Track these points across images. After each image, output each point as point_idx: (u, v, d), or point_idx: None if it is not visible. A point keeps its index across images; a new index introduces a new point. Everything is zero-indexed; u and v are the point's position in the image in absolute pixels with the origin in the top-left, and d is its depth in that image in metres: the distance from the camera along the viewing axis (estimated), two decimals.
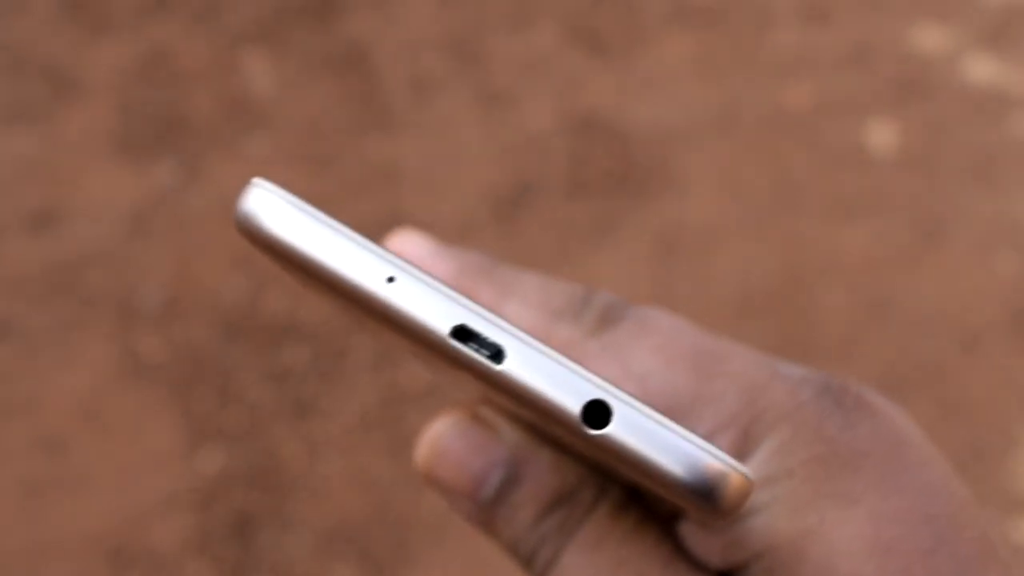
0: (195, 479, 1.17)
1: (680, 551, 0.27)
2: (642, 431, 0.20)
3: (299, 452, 1.19)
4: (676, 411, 0.26)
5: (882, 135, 1.47)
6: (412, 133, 1.46)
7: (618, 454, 0.20)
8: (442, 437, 0.29)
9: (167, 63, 1.53)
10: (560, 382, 0.20)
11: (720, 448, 0.20)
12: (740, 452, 0.26)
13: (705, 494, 0.20)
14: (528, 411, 0.21)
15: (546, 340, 0.22)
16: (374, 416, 1.21)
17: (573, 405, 0.20)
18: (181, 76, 1.52)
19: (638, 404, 0.20)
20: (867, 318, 1.29)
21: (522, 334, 0.20)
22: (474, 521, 0.29)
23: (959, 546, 0.24)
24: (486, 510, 0.28)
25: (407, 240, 0.31)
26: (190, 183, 1.40)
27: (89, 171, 1.41)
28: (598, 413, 0.20)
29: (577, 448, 0.24)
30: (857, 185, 1.42)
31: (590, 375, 0.20)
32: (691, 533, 0.27)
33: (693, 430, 0.20)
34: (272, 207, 0.21)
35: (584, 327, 0.28)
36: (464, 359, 0.20)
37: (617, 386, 0.20)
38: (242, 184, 0.22)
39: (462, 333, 0.20)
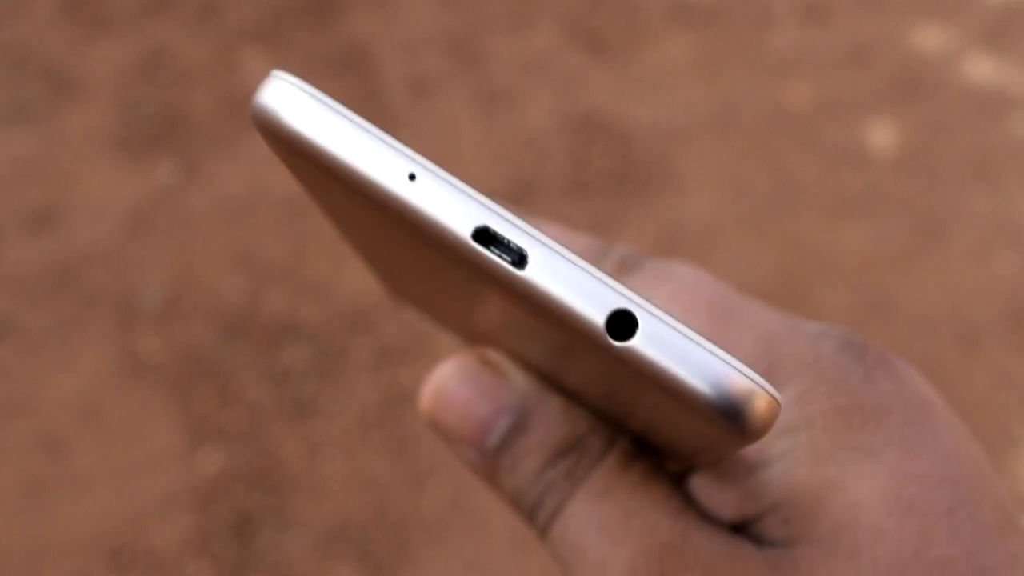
0: (195, 479, 1.17)
1: (690, 504, 0.26)
2: (669, 344, 0.18)
3: (299, 452, 1.19)
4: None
5: (882, 135, 1.47)
6: (412, 133, 1.46)
7: (643, 368, 0.19)
8: (448, 381, 0.27)
9: (167, 63, 1.53)
10: (585, 291, 0.19)
11: (748, 366, 0.19)
12: None
13: (732, 413, 0.19)
14: (550, 324, 0.19)
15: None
16: (374, 416, 1.21)
17: (597, 315, 0.19)
18: (181, 76, 1.52)
19: (665, 316, 0.19)
20: (867, 318, 1.29)
21: (548, 240, 0.19)
22: (478, 470, 0.28)
23: (979, 511, 0.24)
24: (491, 458, 0.27)
25: None
26: (190, 183, 1.40)
27: (89, 171, 1.41)
28: (623, 324, 0.19)
29: (591, 381, 0.23)
30: (857, 185, 1.42)
31: (617, 284, 0.19)
32: (703, 487, 0.26)
33: (723, 347, 0.19)
34: (292, 99, 0.20)
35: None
36: (485, 264, 0.19)
37: (644, 297, 0.19)
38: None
39: (484, 236, 0.19)
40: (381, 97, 1.50)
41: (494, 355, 0.28)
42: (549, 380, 0.27)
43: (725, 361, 0.19)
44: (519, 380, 0.27)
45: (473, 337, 0.29)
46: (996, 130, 1.47)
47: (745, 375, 0.19)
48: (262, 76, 1.63)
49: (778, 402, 0.19)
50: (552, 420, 0.26)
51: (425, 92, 1.51)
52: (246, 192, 1.36)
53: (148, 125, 1.46)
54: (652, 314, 0.19)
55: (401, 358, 1.23)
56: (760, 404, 0.19)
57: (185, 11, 1.59)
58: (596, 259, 0.28)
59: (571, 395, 0.27)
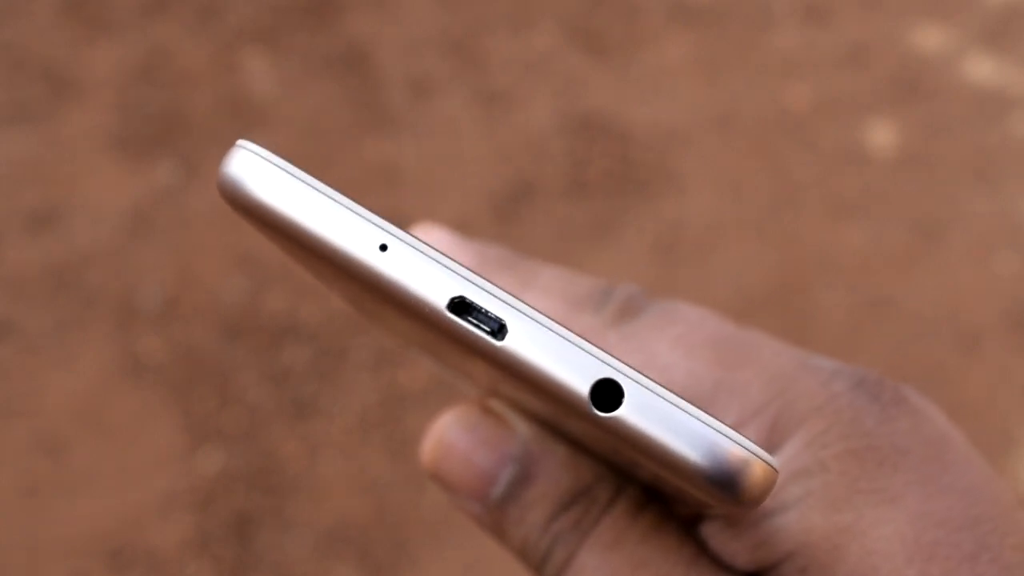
0: (195, 479, 1.17)
1: (703, 552, 0.25)
2: (656, 414, 0.18)
3: (299, 452, 1.19)
4: (699, 402, 0.25)
5: (881, 135, 1.47)
6: (412, 133, 1.46)
7: (631, 439, 0.18)
8: (448, 431, 0.27)
9: (167, 63, 1.53)
10: (567, 360, 0.18)
11: (742, 434, 0.19)
12: (769, 444, 0.24)
13: (725, 484, 0.18)
14: (534, 394, 0.19)
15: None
16: (374, 416, 1.21)
17: (581, 385, 0.18)
18: (181, 76, 1.52)
19: (652, 384, 0.18)
20: (867, 318, 1.29)
21: (526, 307, 0.19)
22: (482, 522, 0.27)
23: (1003, 552, 0.23)
24: (495, 510, 0.26)
25: (426, 233, 0.29)
26: (190, 183, 1.40)
27: (89, 171, 1.41)
28: (608, 394, 0.18)
29: (590, 437, 0.22)
30: (856, 185, 1.42)
31: (600, 353, 0.18)
32: (716, 533, 0.25)
33: (713, 414, 0.19)
34: (258, 170, 0.19)
35: (605, 317, 0.27)
36: (463, 335, 0.18)
37: (629, 365, 0.18)
38: (230, 150, 0.20)
39: (460, 306, 0.18)
40: (381, 97, 1.50)
41: (495, 404, 0.27)
42: (553, 428, 0.26)
43: (717, 429, 0.18)
44: (522, 429, 0.26)
45: (476, 384, 0.29)
46: (996, 130, 1.47)
47: (738, 443, 0.18)
48: (262, 76, 1.62)
49: (775, 469, 0.19)
50: (557, 469, 0.26)
51: (425, 92, 1.51)
52: None
53: (148, 125, 1.46)
54: (638, 382, 0.18)
55: (401, 358, 1.23)
56: (756, 472, 0.18)
57: (185, 11, 1.59)
58: (598, 302, 0.27)
59: (576, 442, 0.26)
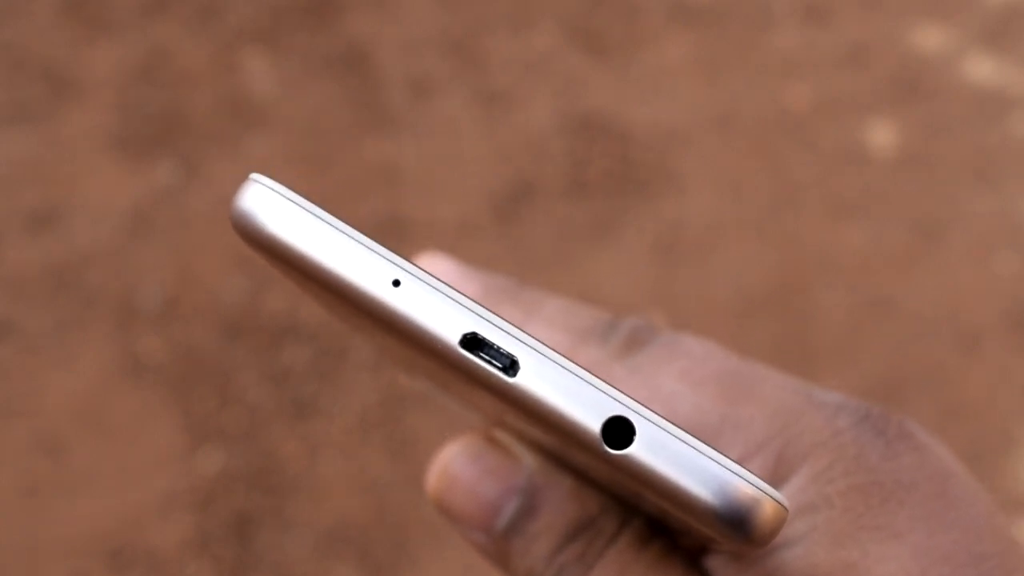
0: (195, 479, 1.17)
1: None
2: (668, 452, 0.18)
3: (299, 452, 1.19)
4: (705, 436, 0.25)
5: (881, 135, 1.47)
6: (412, 133, 1.46)
7: (641, 477, 0.18)
8: (454, 462, 0.27)
9: (167, 63, 1.53)
10: (579, 397, 0.18)
11: (753, 472, 0.19)
12: (773, 479, 0.24)
13: (736, 522, 0.18)
14: (544, 430, 0.19)
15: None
16: (374, 416, 1.21)
17: (593, 422, 0.18)
18: (181, 76, 1.52)
19: (663, 422, 0.18)
20: (867, 318, 1.29)
21: (538, 344, 0.19)
22: (487, 552, 0.27)
23: None
24: (500, 541, 0.26)
25: (430, 262, 0.29)
26: (190, 183, 1.40)
27: (89, 171, 1.41)
28: (620, 431, 0.18)
29: (597, 472, 0.22)
30: (856, 185, 1.42)
31: (611, 390, 0.18)
32: (721, 567, 0.25)
33: (724, 452, 0.19)
34: (270, 205, 0.19)
35: (610, 350, 0.27)
36: (474, 371, 0.19)
37: (641, 403, 0.19)
38: (242, 184, 0.20)
39: (473, 342, 0.19)
40: (381, 97, 1.50)
41: (500, 435, 0.27)
42: (558, 459, 0.26)
43: (728, 468, 0.18)
44: (527, 459, 0.26)
45: (482, 415, 0.29)
46: (996, 130, 1.47)
47: (749, 482, 0.18)
48: (262, 76, 1.62)
49: (785, 508, 0.19)
50: (562, 500, 0.26)
51: (425, 92, 1.51)
52: None
53: (148, 125, 1.46)
54: (649, 420, 0.18)
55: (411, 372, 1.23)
56: (766, 511, 0.18)
57: (185, 11, 1.59)
58: (603, 334, 0.27)
59: (581, 474, 0.26)
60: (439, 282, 0.19)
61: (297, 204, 0.19)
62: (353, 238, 0.19)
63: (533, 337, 0.19)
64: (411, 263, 0.19)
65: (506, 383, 0.19)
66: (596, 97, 1.51)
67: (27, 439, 1.19)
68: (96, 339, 1.26)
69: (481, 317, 0.19)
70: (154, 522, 1.13)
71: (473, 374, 0.19)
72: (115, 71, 1.52)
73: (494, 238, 1.35)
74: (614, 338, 0.27)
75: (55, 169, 1.42)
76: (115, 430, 1.20)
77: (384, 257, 0.19)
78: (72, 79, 1.51)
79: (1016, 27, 1.59)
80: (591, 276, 1.32)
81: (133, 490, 1.16)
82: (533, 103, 1.49)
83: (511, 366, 0.19)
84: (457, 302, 0.19)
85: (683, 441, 0.18)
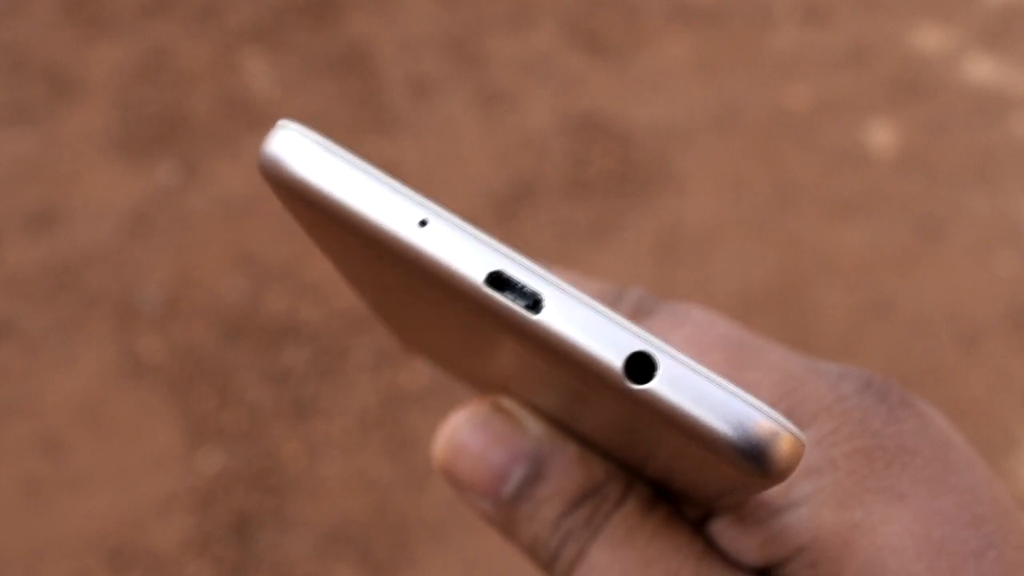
0: (195, 479, 1.17)
1: (712, 549, 0.26)
2: (689, 386, 0.18)
3: (299, 452, 1.19)
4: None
5: (881, 135, 1.47)
6: (412, 133, 1.46)
7: (663, 411, 0.18)
8: (460, 429, 0.27)
9: (167, 63, 1.53)
10: (602, 334, 0.18)
11: (772, 407, 0.19)
12: None
13: (755, 455, 0.18)
14: (566, 369, 0.19)
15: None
16: (374, 416, 1.21)
17: (615, 358, 0.18)
18: (181, 76, 1.52)
19: (684, 358, 0.19)
20: (867, 318, 1.29)
21: (562, 283, 0.19)
22: (493, 520, 0.27)
23: (1006, 550, 0.24)
24: (506, 508, 0.26)
25: None
26: (190, 183, 1.40)
27: (89, 171, 1.41)
28: (642, 367, 0.18)
29: (609, 427, 0.23)
30: (856, 185, 1.42)
31: (634, 327, 0.19)
32: (725, 530, 0.26)
33: (743, 387, 0.19)
34: (299, 148, 0.19)
35: None
36: (499, 309, 0.19)
37: (662, 339, 0.19)
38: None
39: (498, 280, 0.19)
40: (381, 97, 1.50)
41: (508, 403, 0.27)
42: (564, 426, 0.26)
43: (747, 402, 0.18)
44: (534, 427, 0.27)
45: (486, 386, 0.29)
46: (996, 130, 1.47)
47: (768, 415, 0.18)
48: (262, 76, 1.63)
49: (802, 442, 0.19)
50: (569, 467, 0.26)
51: (425, 92, 1.51)
52: (246, 192, 1.36)
53: (148, 125, 1.46)
54: (671, 356, 0.19)
55: (401, 359, 1.23)
56: (784, 445, 0.18)
57: (185, 11, 1.59)
58: (610, 303, 0.28)
59: (586, 441, 0.26)
60: (465, 222, 0.19)
61: (325, 147, 0.20)
62: (380, 180, 0.20)
63: (557, 276, 0.19)
64: (437, 204, 0.19)
65: (530, 320, 0.19)
66: (596, 97, 1.51)
67: (27, 439, 1.19)
68: (96, 339, 1.26)
69: (506, 256, 0.19)
70: (154, 522, 1.13)
71: (498, 313, 0.19)
72: (115, 71, 1.52)
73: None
74: (621, 306, 0.28)
75: (55, 169, 1.42)
76: (115, 430, 1.20)
77: (411, 198, 0.19)
78: (72, 79, 1.51)
79: (1016, 27, 1.59)
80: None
81: (133, 490, 1.16)
82: (533, 103, 1.49)
83: (535, 304, 0.19)
84: (483, 242, 0.19)
85: (704, 376, 0.18)
